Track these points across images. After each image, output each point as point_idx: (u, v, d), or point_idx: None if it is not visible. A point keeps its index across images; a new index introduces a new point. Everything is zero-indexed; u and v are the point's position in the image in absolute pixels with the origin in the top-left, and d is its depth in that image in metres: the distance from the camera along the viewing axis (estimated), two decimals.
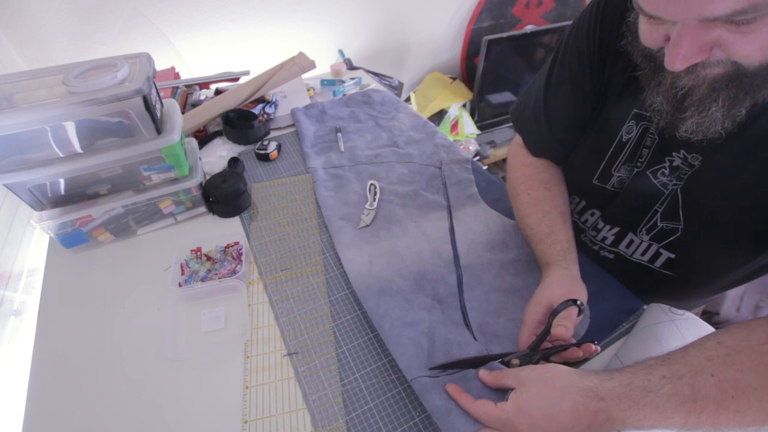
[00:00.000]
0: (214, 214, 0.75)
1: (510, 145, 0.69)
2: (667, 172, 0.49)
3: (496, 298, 0.58)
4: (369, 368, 0.52)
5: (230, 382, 0.51)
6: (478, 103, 1.82)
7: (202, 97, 1.02)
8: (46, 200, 0.62)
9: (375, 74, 1.28)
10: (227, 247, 0.67)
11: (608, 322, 0.55)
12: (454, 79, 1.84)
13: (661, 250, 0.54)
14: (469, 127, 1.84)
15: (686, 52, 0.32)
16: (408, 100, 1.82)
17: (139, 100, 0.57)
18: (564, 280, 0.50)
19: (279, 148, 0.88)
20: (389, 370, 0.52)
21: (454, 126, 1.82)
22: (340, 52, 1.39)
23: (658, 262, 0.55)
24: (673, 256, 0.53)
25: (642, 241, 0.55)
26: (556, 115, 0.59)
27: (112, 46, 1.09)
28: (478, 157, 1.87)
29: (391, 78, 1.35)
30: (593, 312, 0.55)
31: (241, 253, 0.65)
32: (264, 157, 0.86)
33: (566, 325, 0.44)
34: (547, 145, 0.62)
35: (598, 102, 0.55)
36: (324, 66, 1.21)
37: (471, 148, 1.81)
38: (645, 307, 0.56)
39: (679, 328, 0.48)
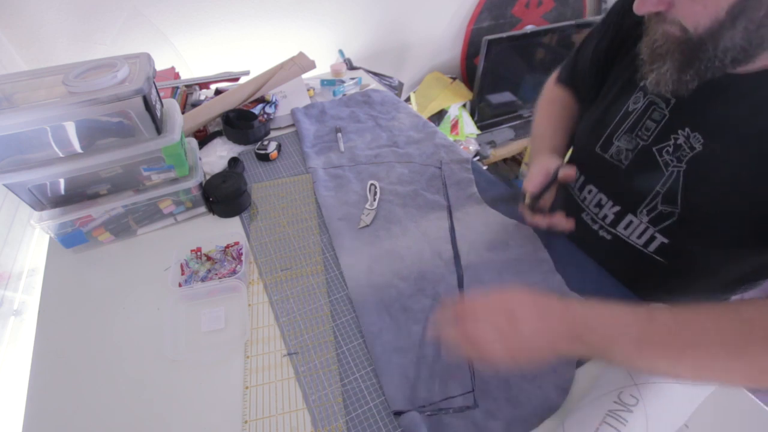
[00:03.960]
0: (214, 214, 0.75)
1: (550, 80, 0.80)
2: (671, 150, 0.50)
3: None
4: (369, 368, 0.52)
5: (230, 382, 0.51)
6: (478, 103, 1.82)
7: (202, 97, 1.02)
8: (46, 200, 0.62)
9: (375, 74, 1.28)
10: (227, 247, 0.67)
11: None
12: (454, 79, 1.83)
13: (656, 234, 0.54)
14: (469, 127, 1.84)
15: None
16: (408, 100, 1.82)
17: (139, 100, 0.57)
18: (539, 163, 0.62)
19: (279, 148, 0.88)
20: None
21: (454, 126, 1.82)
22: (340, 52, 1.39)
23: (652, 247, 0.55)
24: (666, 241, 0.53)
25: (641, 222, 0.55)
26: (584, 53, 0.67)
27: (112, 46, 1.09)
28: (478, 157, 1.87)
29: (391, 78, 1.35)
30: None
31: (241, 253, 0.65)
32: (264, 157, 0.86)
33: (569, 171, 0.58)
34: (571, 72, 0.72)
35: (612, 61, 0.61)
36: (324, 66, 1.21)
37: (471, 148, 1.81)
38: None
39: None
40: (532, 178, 0.59)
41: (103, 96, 0.54)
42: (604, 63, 0.62)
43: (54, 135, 0.56)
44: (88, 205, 0.65)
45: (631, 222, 0.57)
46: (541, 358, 0.38)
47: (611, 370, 0.48)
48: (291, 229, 0.71)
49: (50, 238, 0.68)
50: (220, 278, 0.62)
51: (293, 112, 0.98)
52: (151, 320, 0.58)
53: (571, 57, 0.72)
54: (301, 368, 0.52)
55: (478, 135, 1.87)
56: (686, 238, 0.52)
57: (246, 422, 0.48)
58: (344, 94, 1.08)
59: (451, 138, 1.52)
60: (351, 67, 1.25)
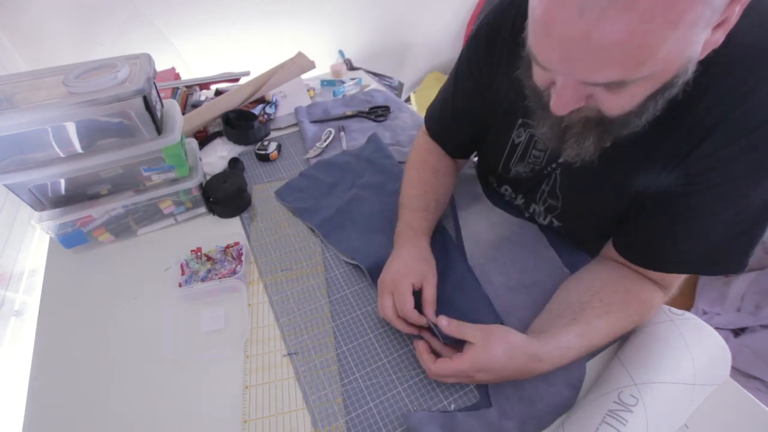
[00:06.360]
0: (214, 215, 0.75)
1: (420, 129, 0.76)
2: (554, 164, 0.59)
3: (505, 296, 0.58)
4: (369, 368, 0.52)
5: (230, 382, 0.52)
6: None
7: (203, 98, 1.02)
8: (47, 200, 0.62)
9: (375, 74, 1.28)
10: (227, 247, 0.67)
11: None
12: None
13: (552, 219, 0.64)
14: None
15: (566, 102, 0.40)
16: (408, 100, 1.82)
17: (140, 100, 0.57)
18: (421, 253, 0.59)
19: (279, 148, 0.89)
20: (389, 370, 0.52)
21: None
22: (340, 52, 1.39)
23: (554, 226, 0.65)
24: (560, 224, 0.64)
25: (540, 210, 0.65)
26: (457, 113, 0.67)
27: (113, 46, 1.09)
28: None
29: (391, 78, 1.36)
30: None
31: (241, 254, 0.65)
32: (264, 158, 0.86)
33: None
34: (440, 129, 0.71)
35: (492, 111, 0.62)
36: (324, 66, 1.21)
37: None
38: None
39: (679, 328, 0.48)
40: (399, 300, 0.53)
41: (104, 96, 0.54)
42: (472, 120, 0.65)
43: (55, 135, 0.56)
44: (89, 205, 0.65)
45: (534, 209, 0.67)
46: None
47: (611, 370, 0.48)
48: (291, 229, 0.71)
49: (51, 238, 0.68)
50: (220, 278, 0.62)
51: (297, 111, 0.98)
52: (151, 320, 0.58)
53: (437, 111, 0.70)
54: (301, 368, 0.52)
55: None
56: (571, 222, 0.62)
57: (246, 422, 0.48)
58: (344, 95, 1.08)
59: None
60: (351, 68, 1.25)
